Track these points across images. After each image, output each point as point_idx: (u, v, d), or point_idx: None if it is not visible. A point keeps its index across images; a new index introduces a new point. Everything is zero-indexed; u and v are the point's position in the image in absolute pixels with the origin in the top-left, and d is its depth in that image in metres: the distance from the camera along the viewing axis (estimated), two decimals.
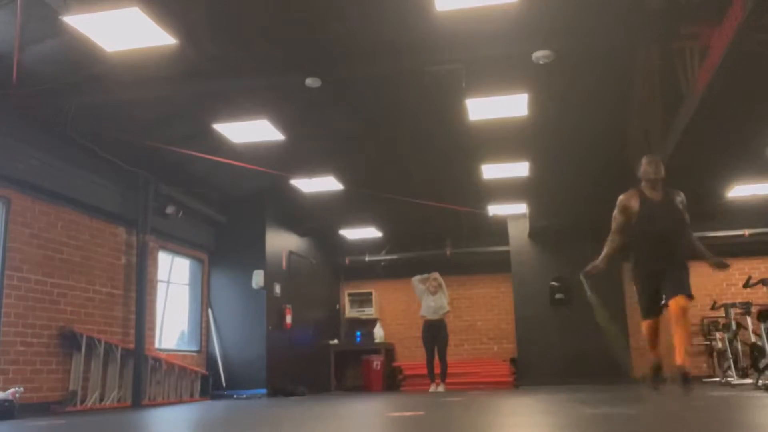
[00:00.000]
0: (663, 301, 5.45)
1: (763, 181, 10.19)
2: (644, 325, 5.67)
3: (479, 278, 13.67)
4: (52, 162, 7.53)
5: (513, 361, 12.52)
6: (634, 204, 5.48)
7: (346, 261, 13.87)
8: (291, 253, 11.99)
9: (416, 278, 11.17)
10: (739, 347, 9.52)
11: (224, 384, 10.30)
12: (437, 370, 10.80)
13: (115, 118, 7.81)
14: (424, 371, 11.09)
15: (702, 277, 12.73)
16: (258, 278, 10.68)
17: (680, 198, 5.54)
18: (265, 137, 8.21)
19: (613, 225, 5.61)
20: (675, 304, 5.21)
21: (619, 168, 9.85)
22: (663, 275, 5.32)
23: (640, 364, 12.31)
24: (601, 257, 5.66)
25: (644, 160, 5.57)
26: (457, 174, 10.29)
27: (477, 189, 10.74)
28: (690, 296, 5.26)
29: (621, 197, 5.54)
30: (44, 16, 5.62)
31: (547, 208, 11.44)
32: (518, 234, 12.60)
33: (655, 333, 5.62)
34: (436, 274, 11.09)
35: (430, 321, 10.83)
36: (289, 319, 11.28)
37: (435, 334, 10.79)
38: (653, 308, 5.57)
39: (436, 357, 10.82)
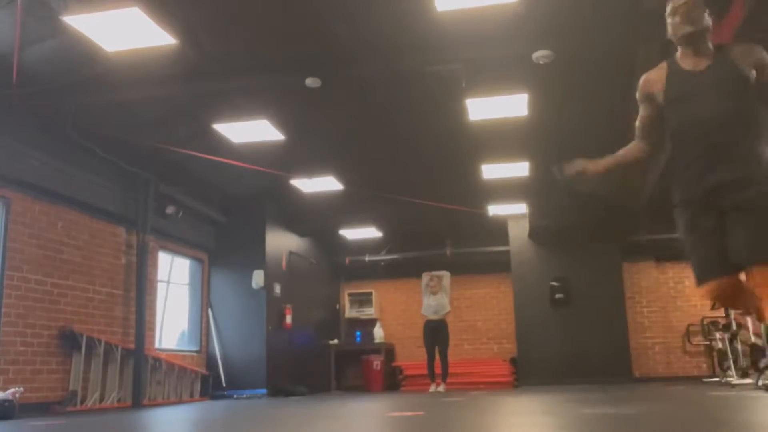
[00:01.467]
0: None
1: None
2: (708, 293, 3.05)
3: (479, 278, 13.67)
4: (52, 162, 7.53)
5: (513, 361, 12.53)
6: (658, 83, 3.09)
7: (346, 261, 13.88)
8: (291, 253, 11.99)
9: (427, 273, 11.14)
10: (739, 347, 9.52)
11: (224, 384, 10.30)
12: (438, 370, 10.79)
13: (115, 118, 7.81)
14: (424, 371, 11.09)
15: None
16: (258, 278, 10.69)
17: (755, 57, 2.95)
18: (265, 137, 8.22)
19: (637, 123, 3.27)
20: (760, 278, 2.80)
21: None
22: (725, 210, 2.87)
23: (639, 364, 12.35)
24: (601, 161, 3.31)
25: (667, 8, 3.12)
26: (457, 174, 10.29)
27: (477, 189, 10.74)
28: None
29: (643, 76, 3.20)
30: (44, 16, 5.62)
31: (547, 208, 11.44)
32: (518, 234, 12.60)
33: (731, 296, 3.02)
34: (447, 276, 11.07)
35: (430, 321, 10.83)
36: (289, 319, 11.27)
37: (435, 334, 10.77)
38: (716, 263, 2.94)
39: (437, 357, 10.81)
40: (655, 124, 3.15)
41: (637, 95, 3.22)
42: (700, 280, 2.99)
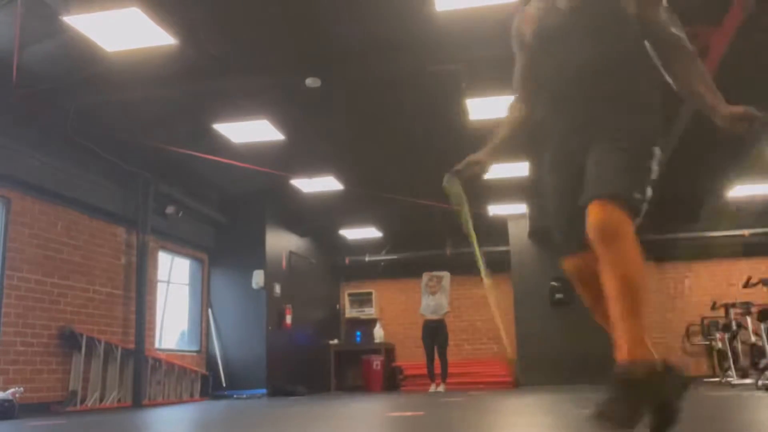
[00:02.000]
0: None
1: (763, 181, 10.20)
2: (566, 268, 2.65)
3: (479, 278, 13.55)
4: (52, 162, 7.53)
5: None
6: (530, 22, 2.60)
7: (346, 261, 13.87)
8: (291, 253, 11.98)
9: (427, 273, 11.16)
10: (739, 347, 9.52)
11: (224, 384, 10.30)
12: (437, 370, 10.79)
13: (115, 118, 7.81)
14: (424, 371, 11.08)
15: (702, 278, 12.78)
16: (258, 278, 10.68)
17: None
18: (265, 137, 8.22)
19: (514, 76, 2.74)
20: (593, 215, 2.24)
21: None
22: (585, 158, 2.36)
23: None
24: (485, 148, 2.95)
25: None
26: None
27: (477, 189, 10.71)
28: (622, 198, 2.21)
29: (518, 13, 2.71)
30: (44, 16, 5.62)
31: (547, 208, 11.44)
32: (518, 234, 12.60)
33: (586, 282, 2.50)
34: (447, 276, 11.06)
35: (428, 320, 10.83)
36: (289, 319, 11.27)
37: (434, 334, 10.77)
38: (573, 233, 2.45)
39: (437, 357, 10.80)
40: (530, 74, 2.61)
41: (512, 34, 2.67)
42: (563, 250, 2.60)
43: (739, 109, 2.32)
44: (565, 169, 2.46)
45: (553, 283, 12.16)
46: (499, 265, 12.96)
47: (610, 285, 2.19)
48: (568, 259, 2.57)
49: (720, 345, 10.84)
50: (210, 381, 10.19)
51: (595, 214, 2.21)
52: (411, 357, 13.35)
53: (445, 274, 11.11)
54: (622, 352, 2.11)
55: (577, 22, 2.45)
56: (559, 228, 2.58)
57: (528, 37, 2.58)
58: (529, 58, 2.60)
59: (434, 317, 10.80)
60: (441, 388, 10.61)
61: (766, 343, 7.88)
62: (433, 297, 10.87)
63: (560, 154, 2.49)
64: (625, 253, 2.20)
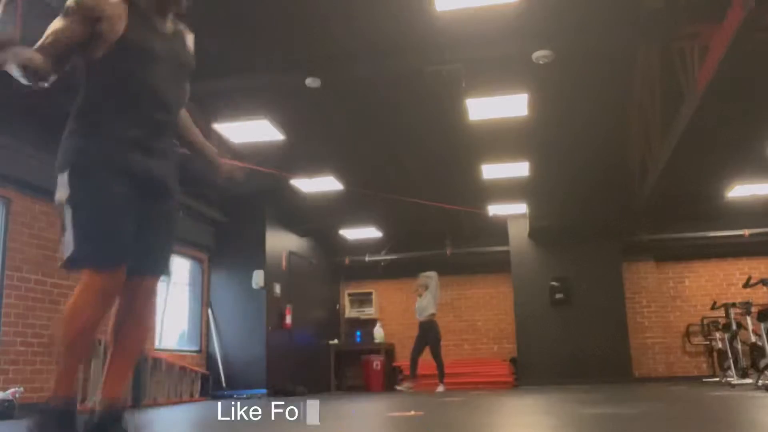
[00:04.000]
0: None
1: (763, 181, 10.20)
2: (86, 289, 2.62)
3: (479, 278, 13.67)
4: (52, 162, 7.49)
5: (513, 361, 12.53)
6: (117, 16, 2.56)
7: (346, 261, 13.88)
8: (291, 253, 11.98)
9: (422, 274, 11.17)
10: (739, 347, 9.52)
11: (224, 384, 10.30)
12: (422, 371, 10.74)
13: None
14: (425, 371, 11.08)
15: (702, 277, 12.78)
16: (258, 278, 10.68)
17: (191, 46, 2.86)
18: (265, 137, 8.21)
19: (49, 33, 2.74)
20: (151, 285, 2.80)
21: (619, 168, 9.88)
22: (145, 196, 2.65)
23: (639, 364, 12.35)
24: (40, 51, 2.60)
25: None
26: (457, 174, 10.29)
27: (477, 189, 10.74)
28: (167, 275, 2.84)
29: None
30: (44, 16, 5.62)
31: (547, 208, 11.45)
32: (518, 234, 12.60)
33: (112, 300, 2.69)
34: (432, 277, 11.03)
35: (420, 322, 10.90)
36: (289, 319, 11.28)
37: (423, 334, 10.81)
38: (129, 246, 2.58)
39: (431, 358, 10.78)
40: (73, 50, 2.67)
41: (75, 3, 2.61)
42: (107, 261, 2.53)
43: (227, 161, 3.18)
44: (128, 181, 2.67)
45: (553, 283, 12.17)
46: (499, 265, 13.00)
47: (135, 335, 2.84)
48: (115, 273, 2.58)
49: (720, 345, 10.84)
50: (210, 381, 10.20)
51: (152, 284, 2.80)
52: None
53: (429, 275, 11.04)
54: (109, 391, 2.76)
55: (168, 54, 2.67)
56: (118, 232, 2.61)
57: (109, 28, 2.56)
58: (84, 40, 2.61)
59: (421, 319, 10.85)
60: (441, 388, 10.60)
61: (766, 343, 7.88)
62: (419, 299, 10.92)
63: (137, 159, 2.67)
64: (150, 313, 2.95)
